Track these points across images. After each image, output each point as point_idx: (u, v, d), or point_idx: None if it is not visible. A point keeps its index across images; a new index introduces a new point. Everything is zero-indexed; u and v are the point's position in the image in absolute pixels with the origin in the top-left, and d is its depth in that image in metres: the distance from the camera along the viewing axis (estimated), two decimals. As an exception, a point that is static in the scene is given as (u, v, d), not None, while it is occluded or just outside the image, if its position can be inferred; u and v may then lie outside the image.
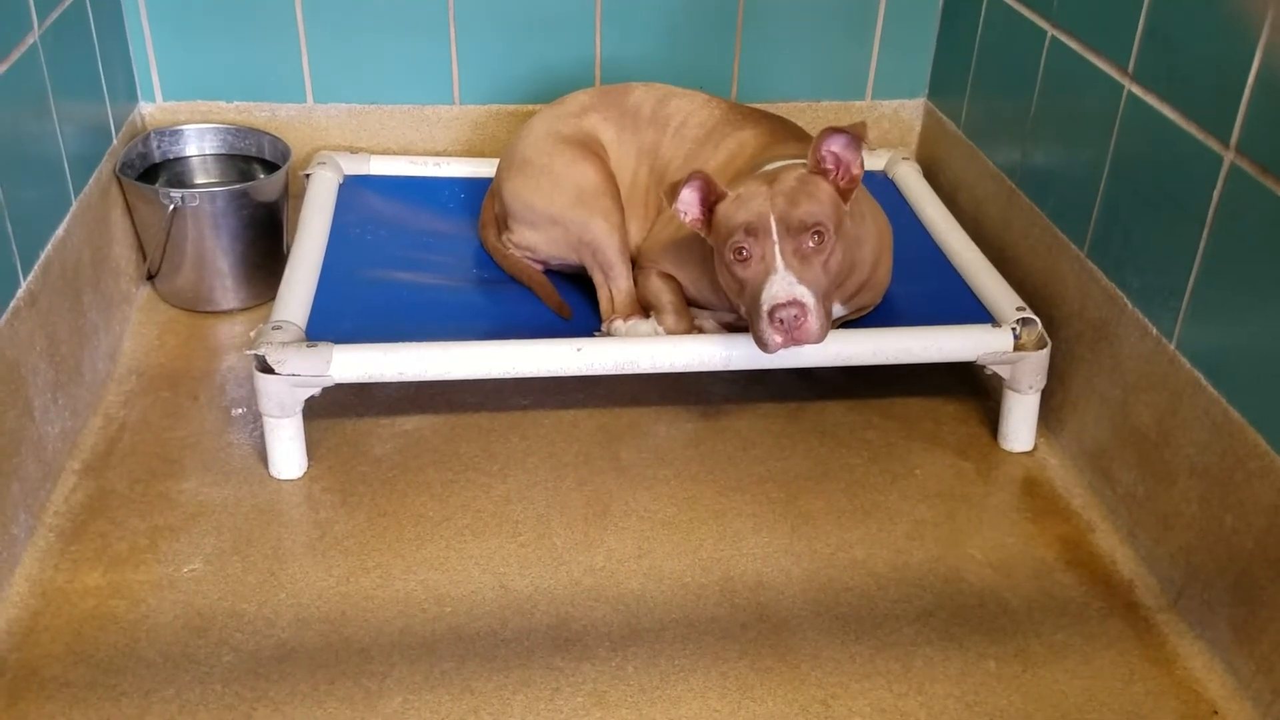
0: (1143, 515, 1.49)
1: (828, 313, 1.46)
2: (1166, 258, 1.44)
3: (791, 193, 1.45)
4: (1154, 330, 1.47)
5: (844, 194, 1.48)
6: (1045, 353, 1.62)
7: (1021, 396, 1.65)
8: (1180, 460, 1.41)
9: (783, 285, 1.41)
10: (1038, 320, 1.63)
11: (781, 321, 1.40)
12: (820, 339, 1.43)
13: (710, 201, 1.50)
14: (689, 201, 1.51)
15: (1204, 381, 1.37)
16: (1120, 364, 1.54)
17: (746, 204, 1.45)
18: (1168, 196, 1.44)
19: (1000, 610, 1.41)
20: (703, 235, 1.53)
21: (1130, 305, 1.52)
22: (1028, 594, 1.44)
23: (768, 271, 1.42)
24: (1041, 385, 1.65)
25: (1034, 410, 1.67)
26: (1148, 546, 1.48)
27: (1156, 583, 1.45)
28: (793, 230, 1.42)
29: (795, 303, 1.39)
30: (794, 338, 1.41)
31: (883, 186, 2.05)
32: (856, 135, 1.45)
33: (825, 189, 1.47)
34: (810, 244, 1.43)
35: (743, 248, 1.44)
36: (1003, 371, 1.64)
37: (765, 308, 1.41)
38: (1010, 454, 1.69)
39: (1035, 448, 1.69)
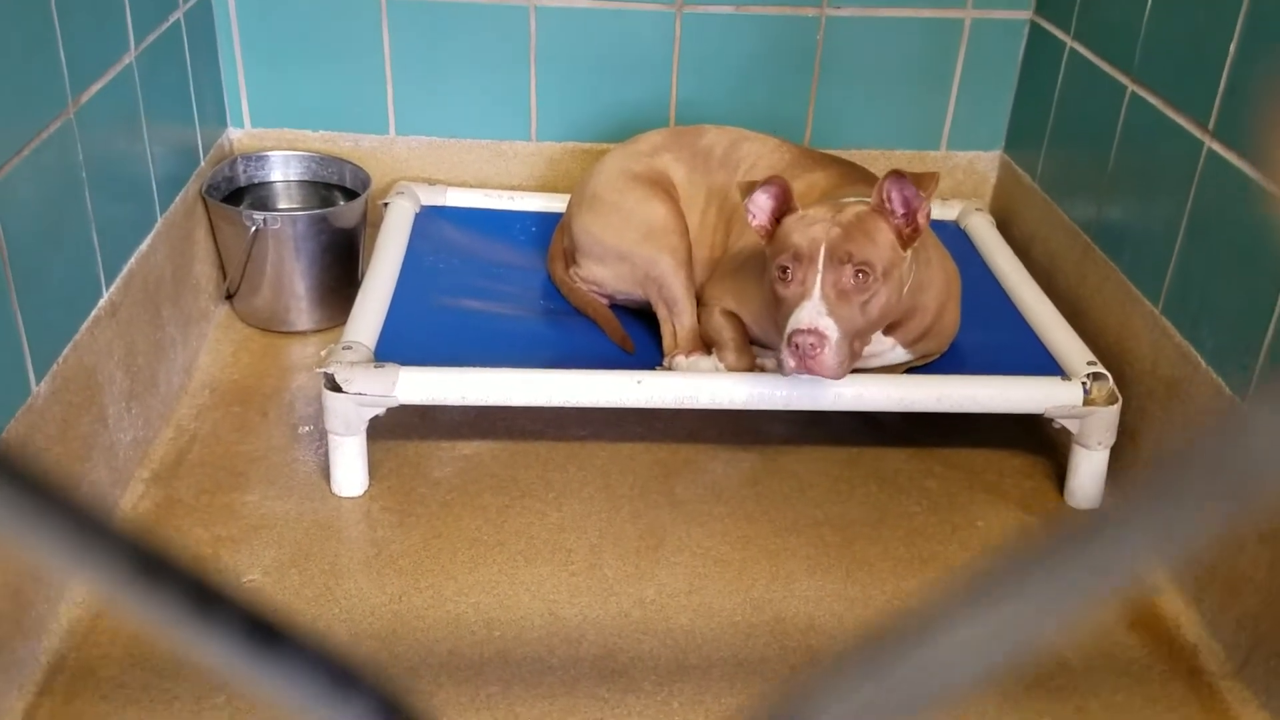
0: (1210, 579, 1.45)
1: (854, 353, 1.45)
2: (1242, 317, 1.41)
3: (849, 226, 1.45)
4: (1227, 390, 1.44)
5: (906, 240, 1.47)
6: (1116, 409, 1.59)
7: (1090, 453, 1.62)
8: (1250, 525, 1.37)
9: (810, 313, 1.41)
10: (1109, 375, 1.60)
11: (797, 347, 1.40)
12: (835, 375, 1.42)
13: (780, 212, 1.51)
14: (761, 206, 1.52)
15: (1278, 443, 1.33)
16: (1192, 423, 1.51)
17: (806, 227, 1.46)
18: (1245, 255, 1.42)
19: (1059, 669, 1.38)
20: (763, 243, 1.54)
21: (1204, 364, 1.49)
22: (1088, 653, 1.40)
23: (803, 297, 1.43)
24: (1111, 442, 1.62)
25: (1102, 467, 1.64)
26: (1214, 611, 1.44)
27: (1222, 648, 1.41)
28: (839, 262, 1.43)
29: (814, 331, 1.40)
30: (807, 366, 1.41)
31: (955, 237, 2.04)
32: (922, 186, 1.44)
33: (885, 232, 1.46)
34: (852, 281, 1.43)
35: (788, 268, 1.45)
36: (1071, 426, 1.61)
37: (788, 330, 1.42)
38: (1077, 511, 1.65)
39: (1102, 506, 1.66)
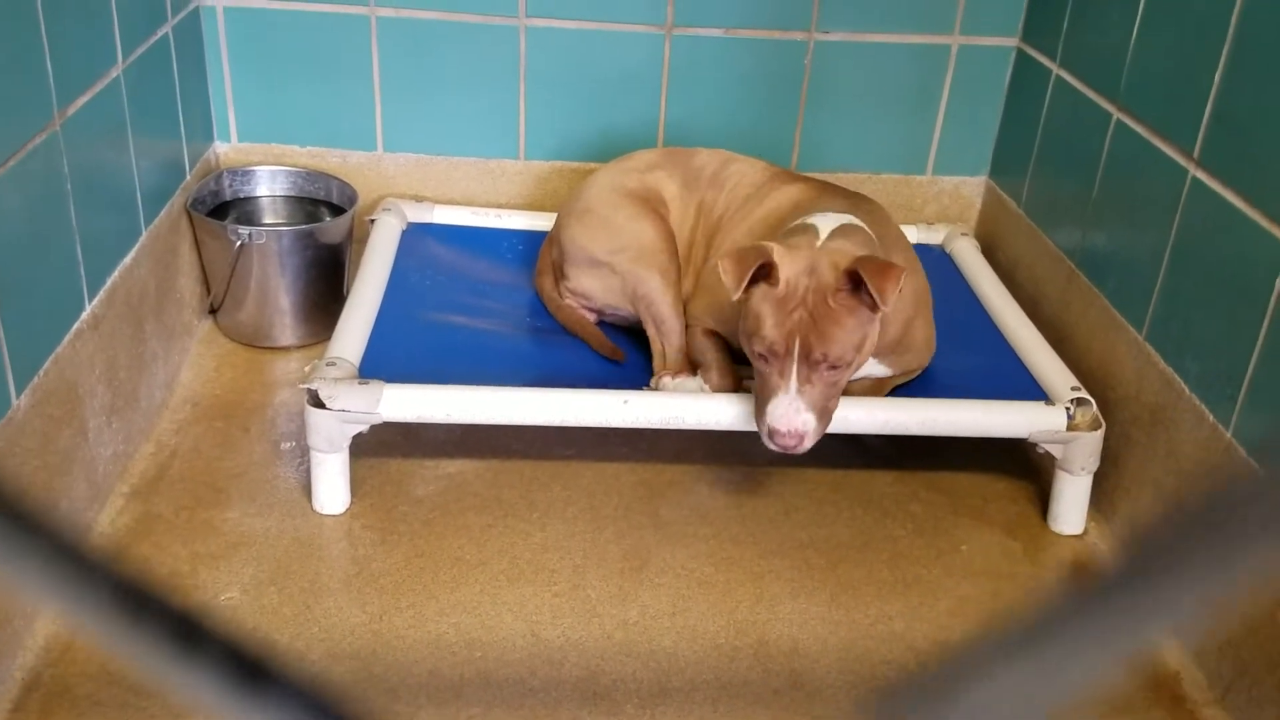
0: (1193, 606, 1.45)
1: (830, 412, 1.46)
2: (1226, 345, 1.42)
3: (821, 318, 1.40)
4: (1211, 417, 1.44)
5: (877, 306, 1.40)
6: (1099, 434, 1.60)
7: (1073, 478, 1.63)
8: (1234, 551, 1.37)
9: (787, 410, 1.41)
10: (1093, 401, 1.61)
11: (779, 445, 1.43)
12: (813, 442, 1.44)
13: (757, 276, 1.43)
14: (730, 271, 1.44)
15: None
16: (1176, 450, 1.51)
17: (781, 318, 1.41)
18: (1230, 283, 1.43)
19: (1041, 694, 1.38)
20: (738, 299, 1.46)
21: (1188, 391, 1.50)
22: (1070, 679, 1.40)
23: (778, 388, 1.43)
24: (1094, 467, 1.62)
25: (1085, 493, 1.64)
26: (1196, 639, 1.44)
27: (1204, 676, 1.41)
28: (814, 363, 1.42)
29: (794, 434, 1.42)
30: (786, 450, 1.45)
31: (940, 261, 2.05)
32: (880, 290, 1.36)
33: (857, 310, 1.41)
34: (826, 372, 1.43)
35: (762, 354, 1.44)
36: (1055, 451, 1.61)
37: (767, 423, 1.43)
38: (1059, 536, 1.66)
39: (1085, 531, 1.66)
